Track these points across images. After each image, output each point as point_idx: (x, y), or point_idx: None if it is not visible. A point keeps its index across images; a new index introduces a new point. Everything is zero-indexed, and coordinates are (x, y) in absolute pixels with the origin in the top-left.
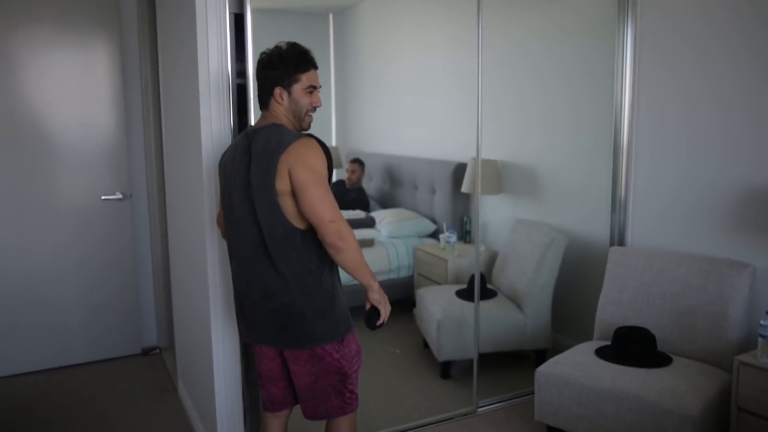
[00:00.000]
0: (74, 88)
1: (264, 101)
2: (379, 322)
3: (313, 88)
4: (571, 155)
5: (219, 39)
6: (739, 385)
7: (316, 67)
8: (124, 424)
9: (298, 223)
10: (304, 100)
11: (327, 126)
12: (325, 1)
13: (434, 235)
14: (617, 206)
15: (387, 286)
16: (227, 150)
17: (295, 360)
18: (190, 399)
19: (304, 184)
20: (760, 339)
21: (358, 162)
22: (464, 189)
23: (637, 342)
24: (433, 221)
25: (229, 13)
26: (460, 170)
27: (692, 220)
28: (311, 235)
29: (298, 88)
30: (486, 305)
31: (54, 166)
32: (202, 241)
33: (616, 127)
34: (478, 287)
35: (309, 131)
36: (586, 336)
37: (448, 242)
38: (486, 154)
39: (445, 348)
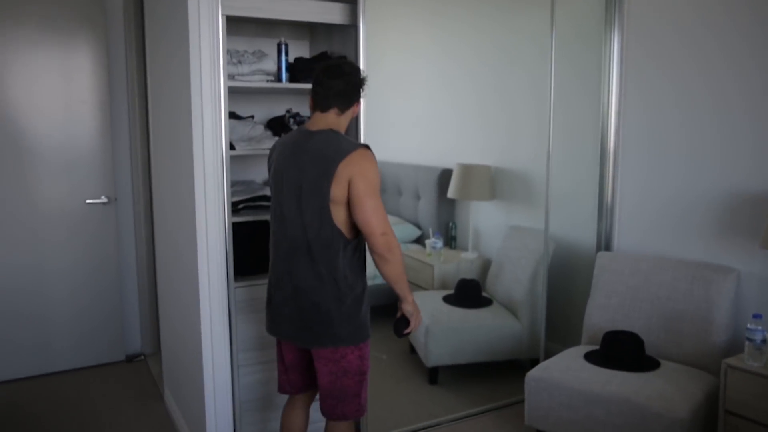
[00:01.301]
0: (58, 90)
1: (346, 106)
2: (407, 331)
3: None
4: (560, 161)
5: (212, 41)
6: (726, 388)
7: None
8: None
9: (344, 231)
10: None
11: None
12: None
13: (419, 240)
14: (604, 211)
15: (372, 292)
16: (276, 145)
17: (318, 358)
18: (177, 406)
19: (361, 196)
20: (747, 342)
21: None
22: (450, 194)
23: (626, 346)
24: (418, 227)
25: (222, 15)
26: (445, 176)
27: (678, 225)
28: (353, 243)
29: (354, 110)
30: (481, 314)
31: (37, 169)
32: (193, 244)
33: (603, 132)
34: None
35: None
36: (574, 342)
37: (434, 248)
38: (479, 159)
39: (433, 353)
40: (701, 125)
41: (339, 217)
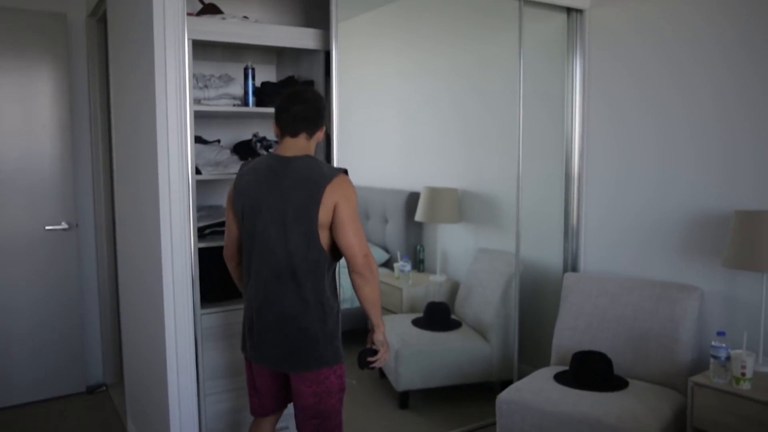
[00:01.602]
0: (17, 114)
1: (313, 130)
2: (372, 362)
3: None
4: (527, 183)
5: (177, 65)
6: (693, 405)
7: None
8: None
9: (328, 253)
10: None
11: None
12: None
13: (387, 264)
14: (570, 233)
15: (343, 316)
16: (244, 173)
17: (300, 380)
18: None
19: (346, 220)
20: (712, 360)
21: None
22: (418, 217)
23: (595, 366)
24: (386, 250)
25: (188, 40)
26: (413, 199)
27: (642, 245)
28: (334, 265)
29: (319, 136)
30: (451, 336)
31: None
32: (158, 270)
33: (567, 154)
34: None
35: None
36: (544, 363)
37: (402, 271)
38: (446, 182)
39: (404, 378)
40: (663, 147)
41: (324, 240)
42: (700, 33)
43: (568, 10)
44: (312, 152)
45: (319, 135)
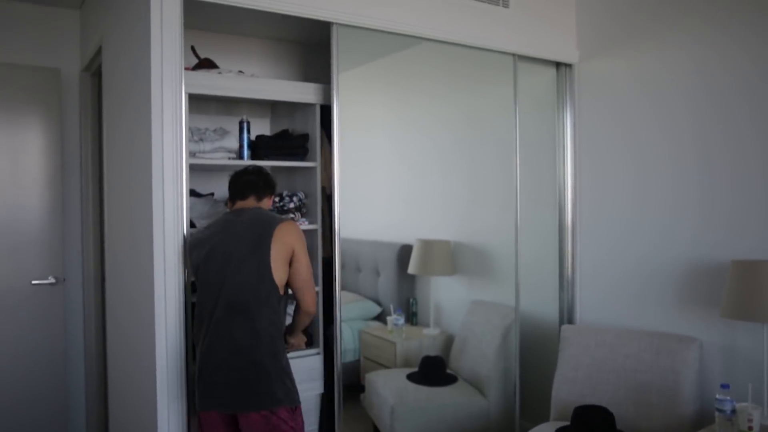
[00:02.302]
0: (6, 167)
1: (261, 195)
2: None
3: None
4: (522, 234)
5: (174, 119)
6: None
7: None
8: None
9: (279, 287)
10: None
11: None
12: None
13: (380, 317)
14: (565, 284)
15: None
16: (198, 231)
17: (253, 428)
18: None
19: (302, 261)
20: (717, 413)
21: None
22: (411, 270)
23: (597, 421)
24: (378, 303)
25: (185, 94)
26: (405, 252)
27: (638, 296)
28: (284, 300)
29: (267, 204)
30: (446, 391)
31: None
32: (150, 326)
33: (560, 206)
34: None
35: None
36: (541, 417)
37: (396, 324)
38: (439, 234)
39: None
40: (655, 197)
41: (276, 275)
42: (686, 83)
43: (558, 65)
44: None
45: (268, 203)
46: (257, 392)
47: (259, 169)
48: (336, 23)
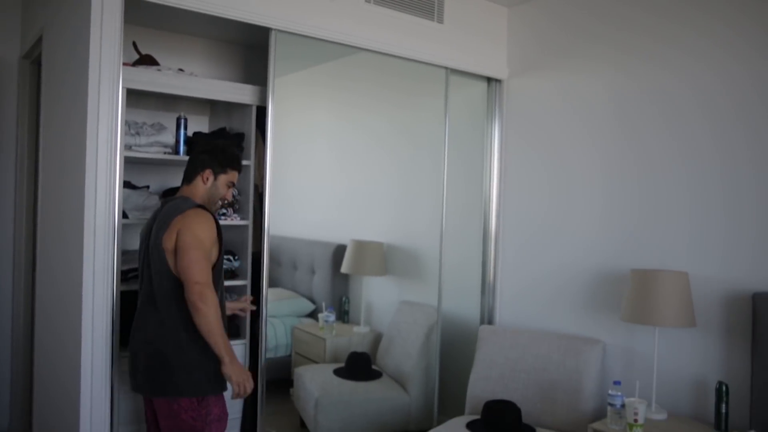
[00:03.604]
0: None
1: (190, 177)
2: (233, 396)
3: (232, 185)
4: (449, 239)
5: (110, 112)
6: None
7: (240, 171)
8: None
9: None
10: (222, 191)
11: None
12: None
13: (313, 314)
14: (486, 287)
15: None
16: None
17: (159, 412)
18: None
19: (185, 246)
20: (609, 407)
21: None
22: (344, 269)
23: (504, 415)
24: (312, 301)
25: (122, 88)
26: (340, 251)
27: (553, 301)
28: None
29: (223, 179)
30: (371, 386)
31: None
32: (78, 312)
33: (485, 214)
34: None
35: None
36: (460, 412)
37: (326, 321)
38: (373, 236)
39: (323, 426)
40: (569, 209)
41: (174, 267)
42: (600, 104)
43: (489, 80)
44: (199, 196)
45: (201, 182)
46: (161, 380)
47: (200, 141)
48: (275, 29)
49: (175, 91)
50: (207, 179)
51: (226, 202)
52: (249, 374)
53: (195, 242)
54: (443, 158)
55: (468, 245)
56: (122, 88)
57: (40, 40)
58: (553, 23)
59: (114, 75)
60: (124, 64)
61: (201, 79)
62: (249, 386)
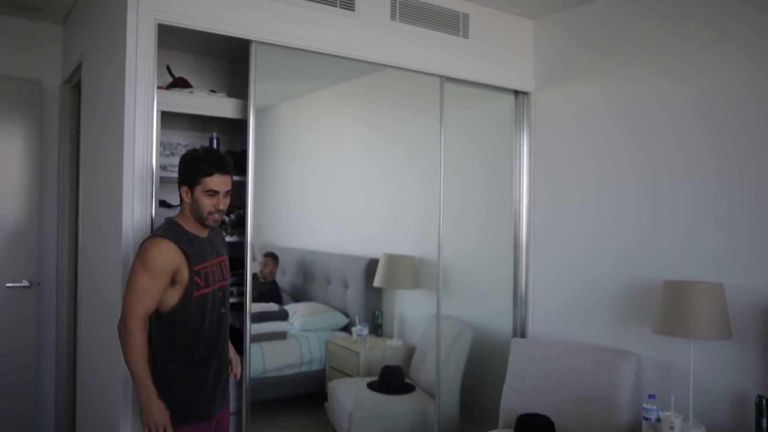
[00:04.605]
0: None
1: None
2: None
3: (214, 192)
4: (480, 252)
5: (146, 134)
6: None
7: (223, 172)
8: None
9: (160, 303)
10: (205, 202)
11: (241, 220)
12: None
13: (346, 328)
14: (518, 300)
15: (298, 379)
16: None
17: None
18: None
19: (131, 272)
20: (644, 421)
21: (270, 255)
22: (376, 283)
23: (538, 429)
24: (346, 315)
25: (157, 111)
26: (372, 265)
27: (585, 312)
28: (171, 316)
29: (199, 190)
30: (404, 400)
31: None
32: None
33: (515, 226)
34: None
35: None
36: (493, 425)
37: (360, 335)
38: (404, 250)
39: None
40: (602, 220)
41: None
42: (634, 111)
43: (516, 93)
44: (188, 213)
45: (187, 193)
46: None
47: (203, 152)
48: (255, 41)
49: (207, 112)
50: (186, 196)
51: (219, 210)
52: (162, 419)
53: (135, 271)
54: (439, 170)
55: (499, 257)
56: (157, 110)
57: (79, 66)
58: (579, 34)
59: (149, 98)
60: (159, 87)
61: (232, 99)
62: (156, 429)
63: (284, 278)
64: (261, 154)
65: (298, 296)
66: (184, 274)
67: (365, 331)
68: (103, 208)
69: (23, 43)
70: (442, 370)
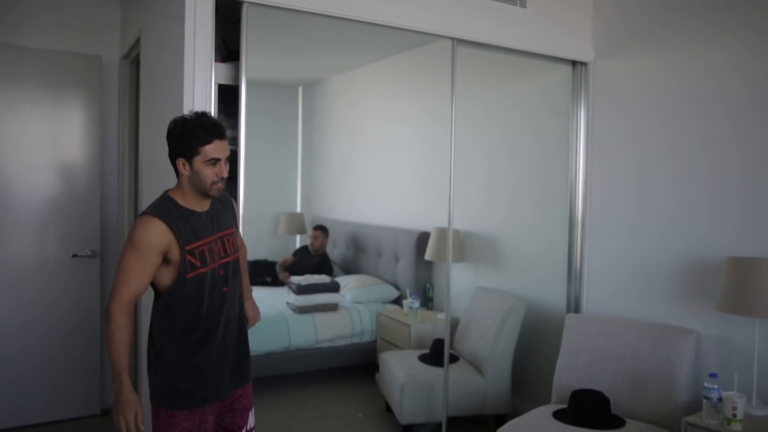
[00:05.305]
0: (50, 147)
1: (174, 168)
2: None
3: (216, 160)
4: (531, 226)
5: (204, 107)
6: None
7: (221, 138)
8: None
9: (156, 284)
10: (207, 172)
11: (293, 193)
12: (295, 75)
13: (397, 301)
14: (573, 275)
15: (349, 350)
16: None
17: None
18: None
19: (121, 252)
20: (705, 401)
21: (321, 228)
22: (428, 257)
23: (593, 405)
24: (396, 288)
25: (215, 84)
26: (423, 239)
27: (642, 289)
28: (165, 298)
29: (199, 161)
30: (451, 371)
31: (25, 222)
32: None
33: (571, 200)
34: (447, 350)
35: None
36: (544, 400)
37: (411, 308)
38: (454, 224)
39: (408, 411)
40: (662, 195)
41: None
42: (699, 85)
43: (573, 63)
44: (187, 187)
45: (185, 165)
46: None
47: (195, 118)
48: (247, 2)
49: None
50: (185, 168)
51: (222, 178)
52: (129, 416)
53: (126, 248)
54: (451, 134)
55: (553, 232)
56: (215, 83)
57: (138, 41)
58: (643, 1)
59: (207, 71)
60: (215, 61)
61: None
62: (123, 424)
63: (335, 251)
64: (309, 127)
65: (349, 269)
66: (176, 254)
67: (416, 304)
68: (161, 180)
69: (83, 20)
70: (494, 344)
